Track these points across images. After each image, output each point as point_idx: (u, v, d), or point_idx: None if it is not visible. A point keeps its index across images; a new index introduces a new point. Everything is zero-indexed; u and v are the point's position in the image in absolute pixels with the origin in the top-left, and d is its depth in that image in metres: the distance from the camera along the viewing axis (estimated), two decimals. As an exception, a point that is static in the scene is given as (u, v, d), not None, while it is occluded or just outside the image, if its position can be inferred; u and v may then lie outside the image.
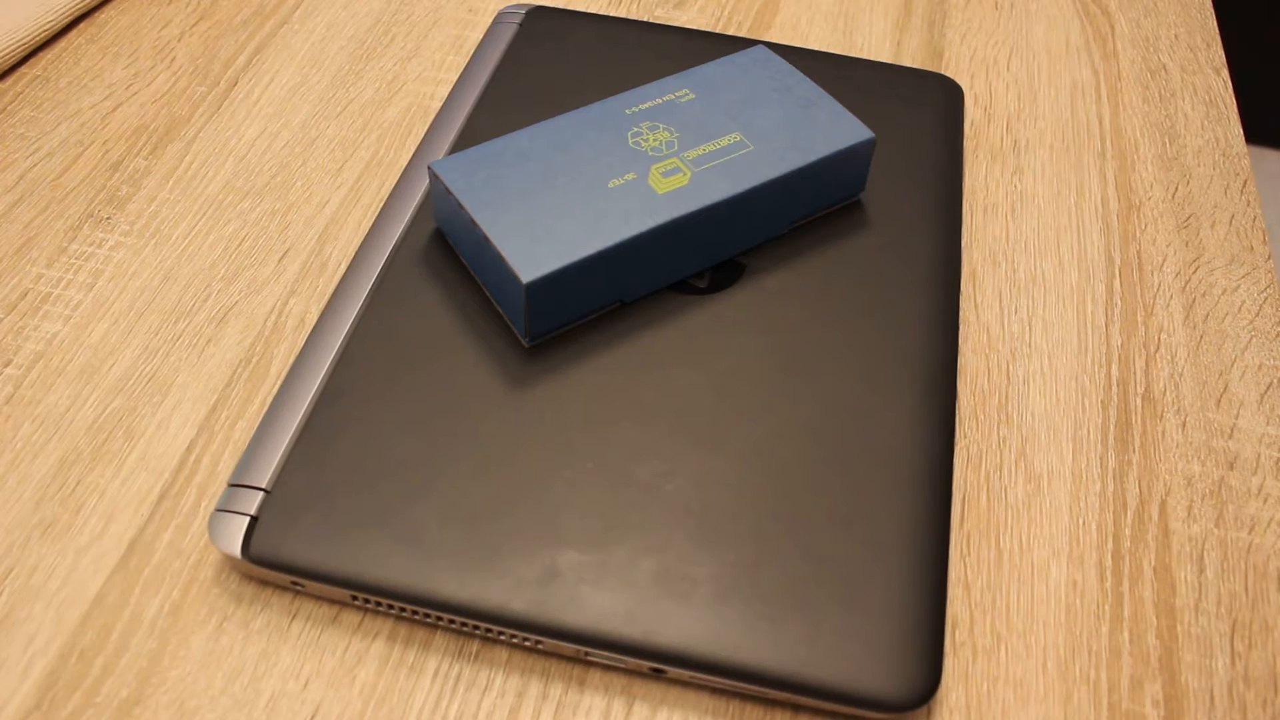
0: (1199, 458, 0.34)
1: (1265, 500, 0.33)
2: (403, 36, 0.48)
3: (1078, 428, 0.35)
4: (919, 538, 0.30)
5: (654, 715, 0.28)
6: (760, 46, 0.40)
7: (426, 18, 0.49)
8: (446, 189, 0.34)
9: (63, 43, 0.46)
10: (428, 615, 0.29)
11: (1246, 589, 0.31)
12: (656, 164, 0.35)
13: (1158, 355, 0.37)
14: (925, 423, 0.32)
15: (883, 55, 0.48)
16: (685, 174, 0.35)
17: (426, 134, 0.41)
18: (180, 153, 0.42)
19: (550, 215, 0.33)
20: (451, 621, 0.29)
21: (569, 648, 0.28)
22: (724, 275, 0.36)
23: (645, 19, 0.49)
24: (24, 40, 0.45)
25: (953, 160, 0.40)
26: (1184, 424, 0.35)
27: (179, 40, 0.47)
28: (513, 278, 0.32)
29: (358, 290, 0.35)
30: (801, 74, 0.39)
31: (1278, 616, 0.31)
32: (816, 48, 0.48)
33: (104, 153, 0.42)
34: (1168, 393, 0.36)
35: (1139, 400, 0.36)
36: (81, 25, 0.47)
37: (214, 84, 0.45)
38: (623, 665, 0.28)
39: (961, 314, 0.38)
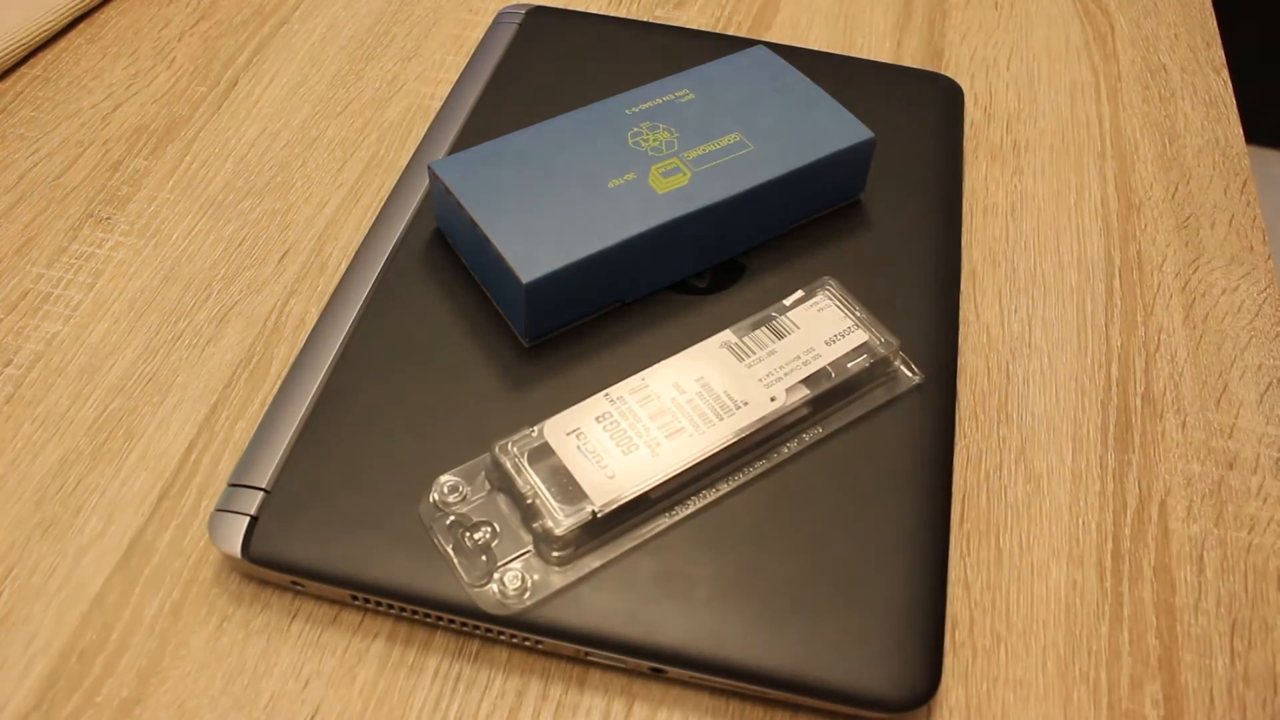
0: (1199, 457, 0.34)
1: (1265, 500, 0.33)
2: (403, 36, 0.48)
3: (1077, 427, 0.35)
4: (919, 538, 0.30)
5: (654, 715, 0.28)
6: (760, 46, 0.40)
7: (426, 18, 0.49)
8: (446, 189, 0.34)
9: (63, 43, 0.46)
10: (428, 615, 0.29)
11: (1246, 589, 0.31)
12: (656, 164, 0.35)
13: (1157, 355, 0.37)
14: (924, 423, 0.32)
15: (883, 55, 0.48)
16: (685, 174, 0.35)
17: (426, 134, 0.41)
18: (180, 153, 0.42)
19: (550, 215, 0.33)
20: (451, 621, 0.29)
21: (569, 648, 0.28)
22: (724, 275, 0.36)
23: (645, 19, 0.49)
24: (24, 40, 0.45)
25: (953, 160, 0.40)
26: (1184, 424, 0.35)
27: (179, 40, 0.47)
28: (513, 278, 0.32)
29: (358, 290, 0.35)
30: (801, 74, 0.39)
31: (1277, 616, 0.31)
32: (816, 48, 0.48)
33: (104, 153, 0.42)
34: (1167, 393, 0.36)
35: (1139, 400, 0.36)
36: (81, 25, 0.47)
37: (214, 84, 0.45)
38: (623, 665, 0.28)
39: (961, 314, 0.38)
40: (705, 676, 0.28)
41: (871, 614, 0.28)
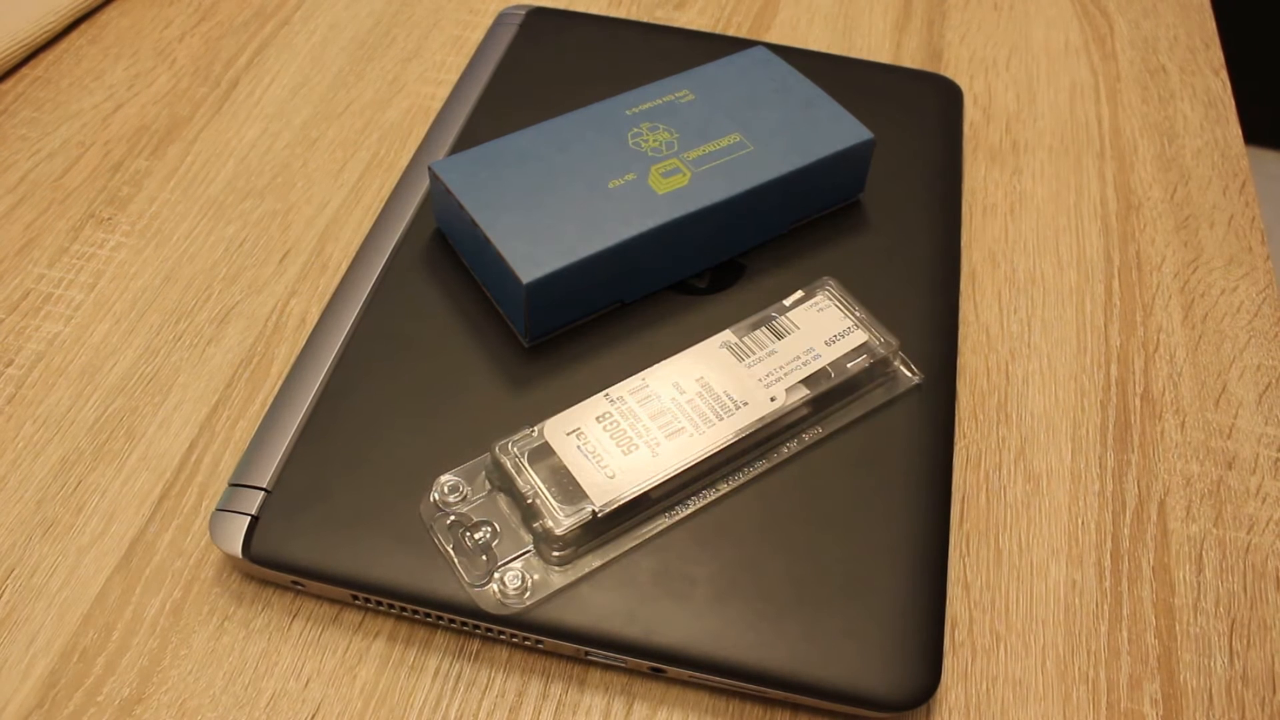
0: (1197, 458, 0.34)
1: (1263, 500, 0.33)
2: (403, 37, 0.48)
3: (1077, 428, 0.35)
4: (919, 538, 0.30)
5: (654, 715, 0.29)
6: (760, 47, 0.40)
7: (427, 18, 0.49)
8: (447, 189, 0.34)
9: (64, 43, 0.47)
10: (428, 615, 0.29)
11: (1245, 588, 0.31)
12: (656, 164, 0.35)
13: (1156, 355, 0.37)
14: (924, 423, 0.32)
15: (882, 56, 0.48)
16: (685, 174, 0.35)
17: (427, 134, 0.41)
18: (181, 153, 0.42)
19: (550, 215, 0.33)
20: (452, 621, 0.29)
21: (569, 647, 0.28)
22: (724, 275, 0.36)
23: (645, 19, 0.49)
24: (25, 41, 0.45)
25: (952, 160, 0.40)
26: (1183, 424, 0.35)
27: (180, 41, 0.47)
28: (513, 278, 0.32)
29: (358, 290, 0.35)
30: (801, 75, 0.39)
31: (1276, 616, 0.31)
32: (816, 48, 0.48)
33: (105, 153, 0.42)
34: (1166, 393, 0.36)
35: (1138, 400, 0.36)
36: (83, 26, 0.47)
37: (215, 84, 0.45)
38: (623, 665, 0.29)
39: (961, 314, 0.38)
40: (705, 676, 0.28)
41: (871, 614, 0.28)
